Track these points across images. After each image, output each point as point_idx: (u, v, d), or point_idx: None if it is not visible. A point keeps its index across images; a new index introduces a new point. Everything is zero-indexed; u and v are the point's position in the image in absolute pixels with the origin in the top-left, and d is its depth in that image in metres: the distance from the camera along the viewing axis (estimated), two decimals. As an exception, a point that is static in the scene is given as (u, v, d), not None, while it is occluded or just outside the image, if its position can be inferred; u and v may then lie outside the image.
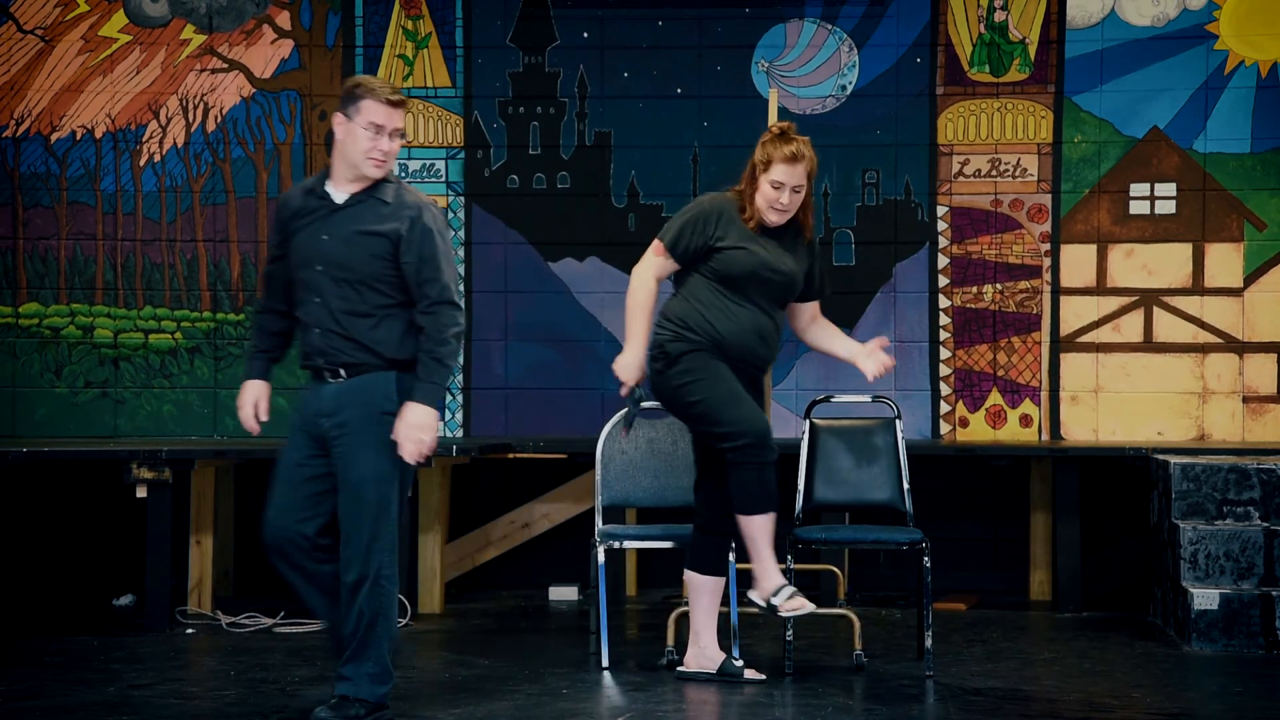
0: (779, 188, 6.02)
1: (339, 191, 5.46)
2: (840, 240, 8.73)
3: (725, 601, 6.39)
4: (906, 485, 6.67)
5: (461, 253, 8.83)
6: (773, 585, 5.96)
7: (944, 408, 8.71)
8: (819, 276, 6.26)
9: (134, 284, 8.77)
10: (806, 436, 6.77)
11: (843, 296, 8.67)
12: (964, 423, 8.71)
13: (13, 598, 8.02)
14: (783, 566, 6.39)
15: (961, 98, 8.74)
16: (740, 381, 6.04)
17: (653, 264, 6.14)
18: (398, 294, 5.41)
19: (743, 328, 6.02)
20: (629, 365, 6.09)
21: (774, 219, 6.06)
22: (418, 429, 5.33)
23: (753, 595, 6.05)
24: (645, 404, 6.32)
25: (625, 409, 6.40)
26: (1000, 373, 8.70)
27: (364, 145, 5.37)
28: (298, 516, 5.42)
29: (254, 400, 5.59)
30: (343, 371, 5.42)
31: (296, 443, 5.50)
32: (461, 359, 8.81)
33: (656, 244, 6.15)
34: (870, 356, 6.14)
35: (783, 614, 5.94)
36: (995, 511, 8.78)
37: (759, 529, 5.97)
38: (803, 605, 5.92)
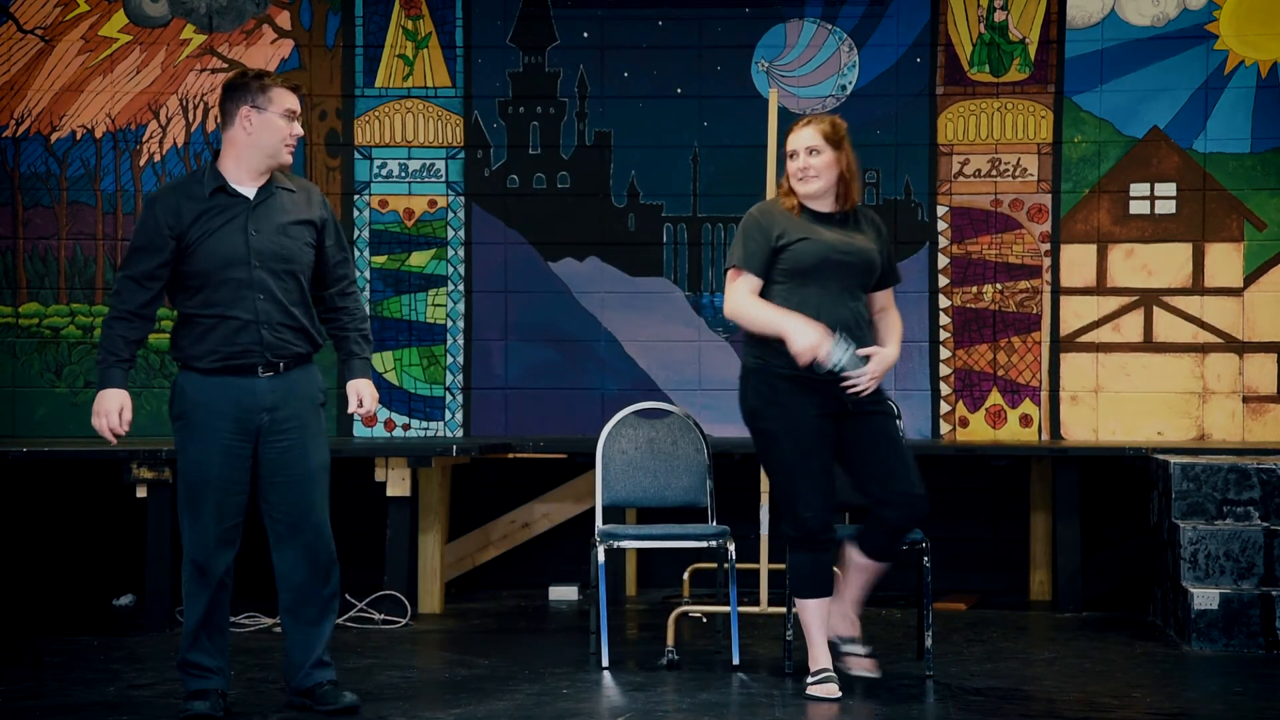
0: (794, 156, 5.94)
1: (245, 186, 5.49)
2: (840, 240, 8.73)
3: (736, 601, 6.38)
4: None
5: (462, 252, 8.83)
6: (815, 667, 5.93)
7: (944, 408, 8.71)
8: (888, 260, 6.05)
9: (134, 284, 8.76)
10: (806, 436, 6.76)
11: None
12: (964, 423, 8.71)
13: (13, 598, 8.02)
14: (782, 566, 6.41)
15: (961, 98, 8.74)
16: (825, 420, 5.84)
17: (738, 288, 5.95)
18: (308, 280, 5.57)
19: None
20: (808, 341, 5.72)
21: (804, 189, 5.92)
22: (373, 399, 5.60)
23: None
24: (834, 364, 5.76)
25: (840, 362, 5.72)
26: (1000, 373, 8.70)
27: (282, 133, 5.47)
28: (230, 553, 5.50)
29: (119, 408, 5.47)
30: (281, 364, 5.49)
31: (221, 450, 5.45)
32: (461, 358, 8.82)
33: (730, 272, 6.00)
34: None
35: (809, 691, 5.88)
36: (995, 511, 8.78)
37: (810, 613, 5.95)
38: (831, 692, 5.85)
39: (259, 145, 5.45)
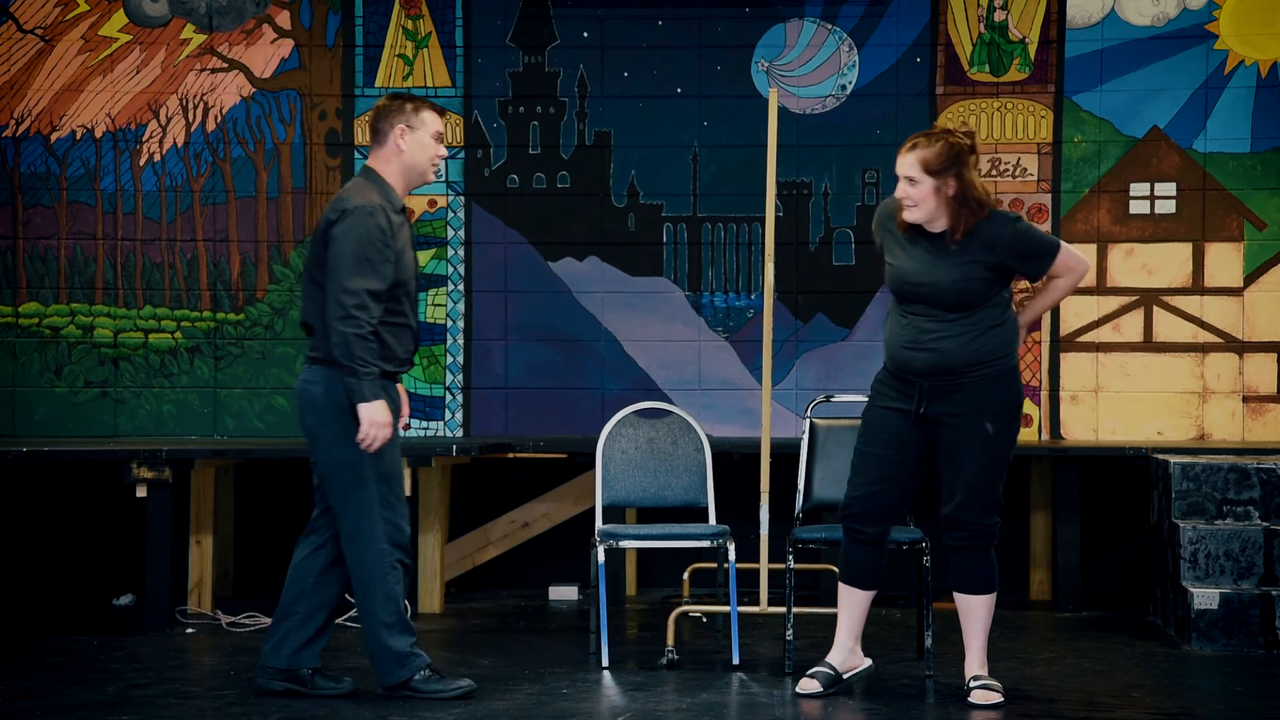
0: (898, 180, 5.79)
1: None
2: (840, 240, 8.73)
3: (736, 601, 6.37)
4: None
5: (462, 252, 8.83)
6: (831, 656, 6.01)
7: (944, 407, 8.70)
8: (1021, 263, 5.78)
9: (134, 284, 8.77)
10: (806, 436, 6.76)
11: (843, 296, 8.68)
12: (964, 422, 8.69)
13: (13, 598, 8.02)
14: (782, 566, 6.42)
15: (961, 97, 8.74)
16: (901, 419, 5.83)
17: None
18: None
19: (897, 338, 5.82)
20: None
21: (905, 216, 5.79)
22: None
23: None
24: None
25: None
26: (1000, 372, 8.68)
27: (431, 153, 5.85)
28: None
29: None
30: None
31: (398, 447, 5.85)
32: (461, 358, 8.82)
33: None
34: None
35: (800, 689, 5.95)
36: (995, 511, 8.76)
37: (839, 596, 6.00)
38: (804, 687, 5.91)
39: (412, 164, 5.82)
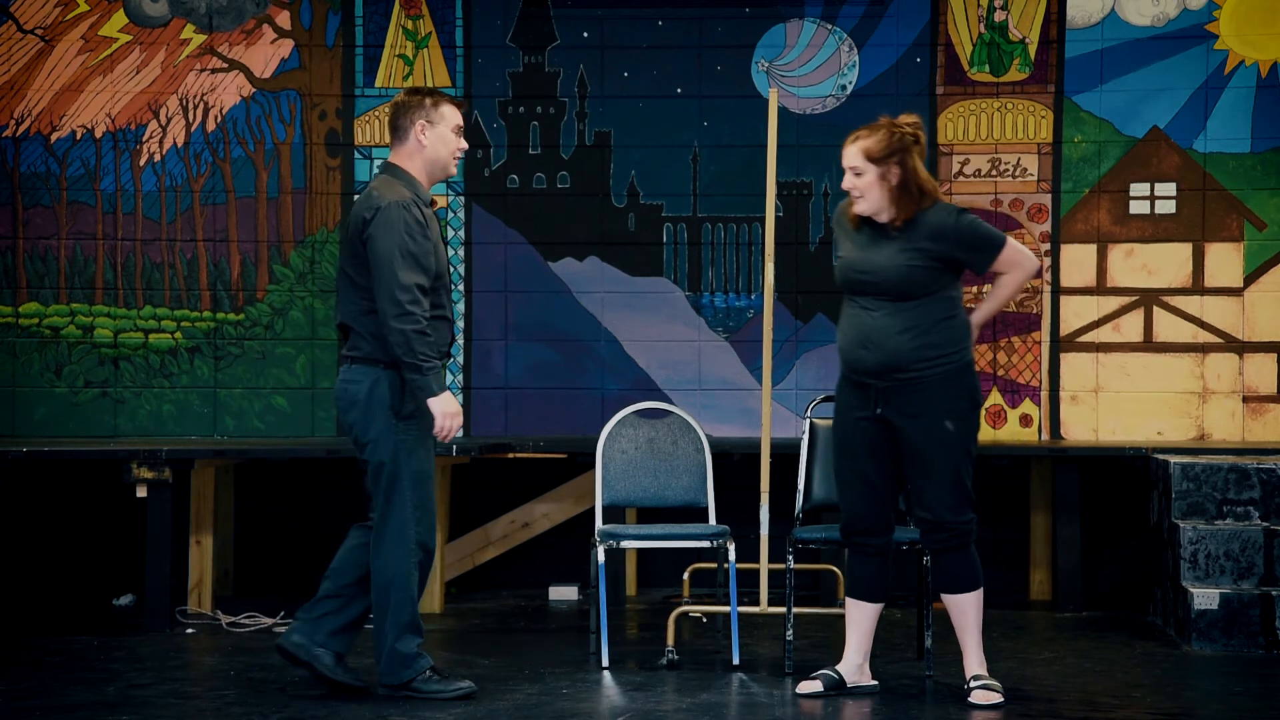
0: (845, 173, 5.88)
1: None
2: (840, 240, 8.72)
3: (736, 601, 6.38)
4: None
5: (462, 252, 8.83)
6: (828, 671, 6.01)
7: (944, 407, 8.69)
8: (966, 254, 5.85)
9: (134, 284, 8.77)
10: (806, 436, 6.76)
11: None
12: (964, 422, 8.69)
13: (13, 598, 8.02)
14: (782, 566, 6.42)
15: (961, 97, 8.74)
16: (867, 424, 5.84)
17: None
18: None
19: (847, 336, 5.87)
20: None
21: (855, 209, 5.87)
22: None
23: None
24: None
25: None
26: (1000, 372, 8.70)
27: (452, 147, 5.87)
28: None
29: None
30: None
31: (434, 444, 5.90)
32: (461, 358, 8.82)
33: None
34: None
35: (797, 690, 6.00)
36: (995, 511, 8.77)
37: (847, 612, 6.01)
38: (803, 688, 5.91)
39: (434, 158, 5.85)
